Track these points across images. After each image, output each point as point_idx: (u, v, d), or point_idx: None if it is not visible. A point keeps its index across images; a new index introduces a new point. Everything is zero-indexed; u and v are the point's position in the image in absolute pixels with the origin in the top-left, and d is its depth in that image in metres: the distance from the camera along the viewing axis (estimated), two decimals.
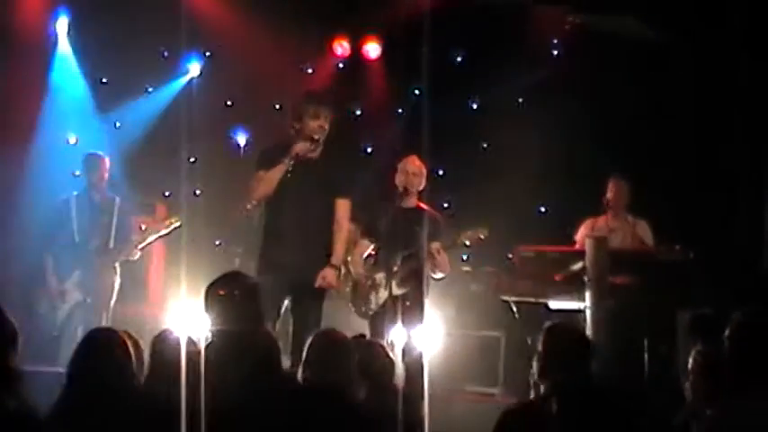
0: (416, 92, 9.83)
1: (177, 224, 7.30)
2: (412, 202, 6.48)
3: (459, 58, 9.71)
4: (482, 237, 6.44)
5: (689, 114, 8.20)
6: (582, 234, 7.18)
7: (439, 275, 6.45)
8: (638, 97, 8.44)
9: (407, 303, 6.25)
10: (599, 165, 7.79)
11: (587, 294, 6.25)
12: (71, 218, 7.11)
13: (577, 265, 6.46)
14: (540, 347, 3.62)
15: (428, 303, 6.47)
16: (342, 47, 9.72)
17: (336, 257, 5.74)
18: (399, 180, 6.43)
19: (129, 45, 8.98)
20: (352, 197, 5.93)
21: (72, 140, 9.00)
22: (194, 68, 9.81)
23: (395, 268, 6.26)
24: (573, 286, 6.56)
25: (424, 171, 6.53)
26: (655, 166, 8.23)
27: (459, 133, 9.61)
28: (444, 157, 9.18)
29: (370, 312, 6.41)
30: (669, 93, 8.31)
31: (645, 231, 7.14)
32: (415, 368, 6.05)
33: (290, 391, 3.61)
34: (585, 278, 6.32)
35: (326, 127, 5.71)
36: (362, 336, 5.11)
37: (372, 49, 9.68)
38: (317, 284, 5.66)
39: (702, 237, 7.14)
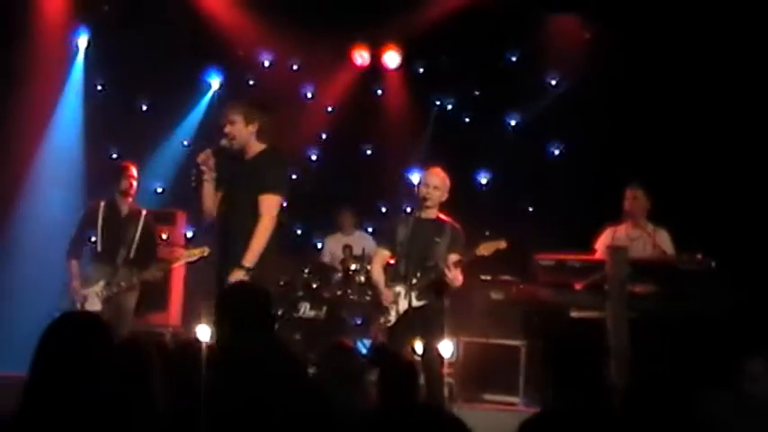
0: (438, 102, 9.87)
1: (206, 254, 7.41)
2: (432, 213, 6.47)
3: (477, 67, 9.72)
4: (500, 248, 6.43)
5: (713, 121, 8.16)
6: (602, 242, 7.14)
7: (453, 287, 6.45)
8: (660, 103, 8.41)
9: (427, 315, 6.25)
10: (620, 172, 7.76)
11: (608, 303, 6.23)
12: (97, 226, 7.11)
13: (598, 274, 6.45)
14: (549, 356, 3.62)
15: (448, 313, 6.47)
16: (361, 56, 9.75)
17: (247, 258, 5.31)
18: (421, 192, 6.43)
19: (149, 59, 9.06)
20: (285, 195, 5.61)
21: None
22: (215, 83, 9.90)
23: (414, 280, 6.26)
24: (593, 295, 6.54)
25: (447, 183, 6.51)
26: (677, 173, 8.19)
27: (480, 142, 9.64)
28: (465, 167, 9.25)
29: (389, 324, 6.41)
30: (691, 99, 8.27)
31: (665, 240, 7.09)
32: (435, 378, 6.09)
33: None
34: (606, 287, 6.30)
35: (231, 130, 5.50)
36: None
37: (392, 59, 9.69)
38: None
39: (725, 245, 7.09)
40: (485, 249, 6.39)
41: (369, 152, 10.07)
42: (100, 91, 9.51)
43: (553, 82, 9.47)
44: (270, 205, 5.42)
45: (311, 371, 5.41)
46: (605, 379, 3.51)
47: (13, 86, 8.62)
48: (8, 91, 8.59)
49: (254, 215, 5.40)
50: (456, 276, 6.24)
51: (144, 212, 7.36)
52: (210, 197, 5.58)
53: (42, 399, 2.83)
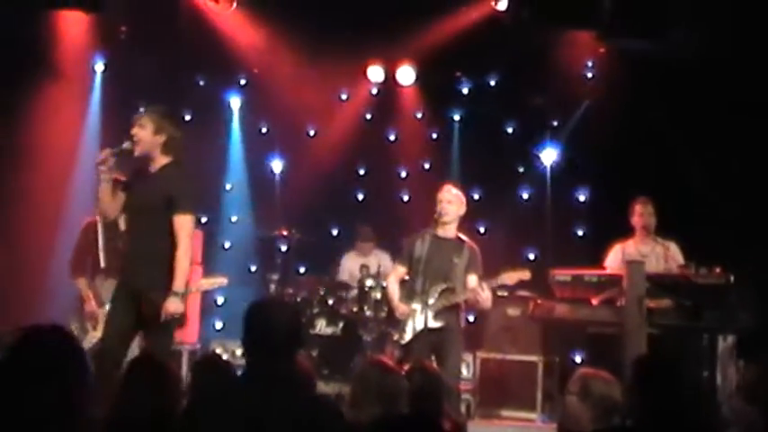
0: (454, 117, 9.88)
1: (224, 284, 7.40)
2: (451, 232, 6.46)
3: (492, 82, 9.73)
4: (524, 279, 6.46)
5: (729, 132, 8.11)
6: (612, 260, 7.11)
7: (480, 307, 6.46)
8: (674, 117, 8.38)
9: (444, 336, 6.24)
10: (635, 185, 7.73)
11: (625, 318, 6.19)
12: (98, 242, 6.99)
13: (614, 289, 6.42)
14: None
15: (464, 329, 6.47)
16: (375, 72, 9.77)
17: (177, 284, 5.23)
18: (436, 208, 6.43)
19: (166, 80, 9.13)
20: (194, 212, 5.52)
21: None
22: (235, 102, 9.97)
23: (431, 300, 6.25)
24: (610, 310, 6.51)
25: (462, 199, 6.51)
26: (693, 186, 8.15)
27: (495, 157, 9.63)
28: (480, 182, 9.24)
29: (403, 342, 6.40)
30: (705, 111, 8.23)
31: (677, 253, 7.04)
32: (452, 394, 6.07)
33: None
34: (623, 302, 6.27)
35: (138, 133, 5.37)
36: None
37: (406, 74, 9.70)
38: (162, 320, 5.21)
39: (743, 259, 7.04)
40: (508, 278, 6.43)
41: (383, 168, 10.08)
42: (117, 114, 9.56)
43: (567, 97, 9.45)
44: (186, 226, 5.36)
45: (346, 388, 5.41)
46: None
47: (36, 114, 8.70)
48: (32, 119, 8.67)
49: (164, 233, 5.29)
50: (488, 297, 6.26)
51: None
52: (108, 197, 5.42)
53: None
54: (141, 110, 5.58)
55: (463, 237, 6.50)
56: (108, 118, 9.21)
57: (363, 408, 3.72)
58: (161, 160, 5.45)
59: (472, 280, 6.31)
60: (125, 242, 5.57)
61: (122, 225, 5.90)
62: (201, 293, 8.19)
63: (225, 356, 8.17)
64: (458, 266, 6.33)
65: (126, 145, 5.39)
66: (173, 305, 5.19)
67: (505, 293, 7.82)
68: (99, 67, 9.46)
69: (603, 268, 7.02)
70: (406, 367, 4.31)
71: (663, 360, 3.78)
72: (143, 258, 5.35)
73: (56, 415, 2.77)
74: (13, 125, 8.60)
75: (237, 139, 10.06)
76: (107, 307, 6.76)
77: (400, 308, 6.35)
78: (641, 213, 7.14)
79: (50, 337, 2.93)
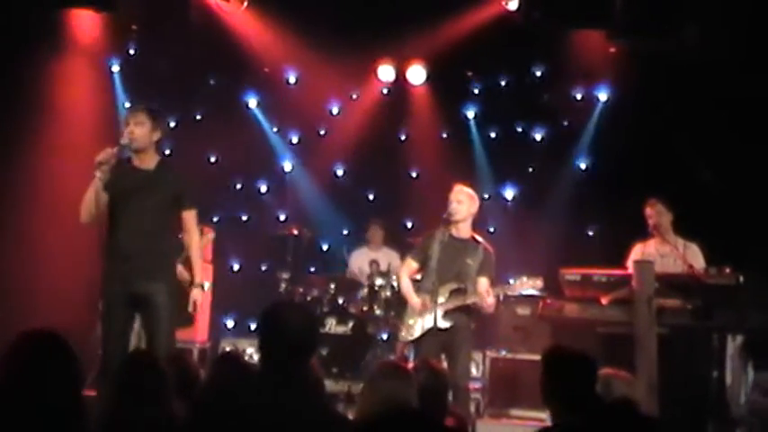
0: (467, 115, 9.89)
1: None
2: (465, 232, 6.46)
3: (503, 82, 9.73)
4: (536, 287, 6.48)
5: (740, 132, 8.09)
6: (632, 260, 7.10)
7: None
8: (687, 117, 8.36)
9: (454, 336, 6.25)
10: (647, 186, 7.72)
11: (635, 318, 6.18)
12: None
13: (624, 289, 6.40)
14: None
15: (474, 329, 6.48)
16: (386, 72, 9.78)
17: (199, 276, 5.60)
18: (448, 208, 6.44)
19: (177, 80, 9.17)
20: (198, 207, 5.60)
21: None
22: (252, 101, 10.00)
23: (441, 299, 6.25)
24: (620, 310, 6.49)
25: (474, 198, 6.51)
26: (706, 186, 8.13)
27: (505, 157, 9.64)
28: (492, 181, 9.25)
29: (410, 338, 6.41)
30: (717, 110, 8.21)
31: (696, 255, 7.01)
32: (461, 394, 6.07)
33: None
34: (633, 301, 6.26)
35: (135, 130, 5.36)
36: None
37: (416, 74, 9.71)
38: (190, 310, 5.49)
39: (753, 259, 7.02)
40: (520, 287, 6.44)
41: (394, 168, 10.10)
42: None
43: (578, 96, 9.45)
44: (194, 221, 5.56)
45: (355, 387, 5.40)
46: (596, 395, 3.55)
47: (52, 114, 8.76)
48: (49, 119, 8.73)
49: (170, 230, 5.41)
50: (492, 303, 6.28)
51: None
52: (99, 198, 5.27)
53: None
54: (134, 106, 5.58)
55: (479, 238, 6.50)
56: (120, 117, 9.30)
57: (373, 411, 3.73)
58: (154, 157, 5.48)
59: (483, 283, 6.31)
60: (121, 241, 5.35)
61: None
62: (212, 292, 8.23)
63: None
64: (471, 267, 6.33)
65: (124, 141, 5.36)
66: (199, 296, 5.51)
67: (515, 293, 7.83)
68: (115, 68, 9.52)
69: (625, 268, 7.01)
70: (413, 365, 4.33)
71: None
72: (150, 256, 5.33)
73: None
74: (27, 123, 8.64)
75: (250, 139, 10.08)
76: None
77: (420, 303, 6.35)
78: (650, 214, 7.13)
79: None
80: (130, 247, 5.32)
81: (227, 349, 8.24)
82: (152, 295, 5.30)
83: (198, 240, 5.60)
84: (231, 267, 9.86)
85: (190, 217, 5.49)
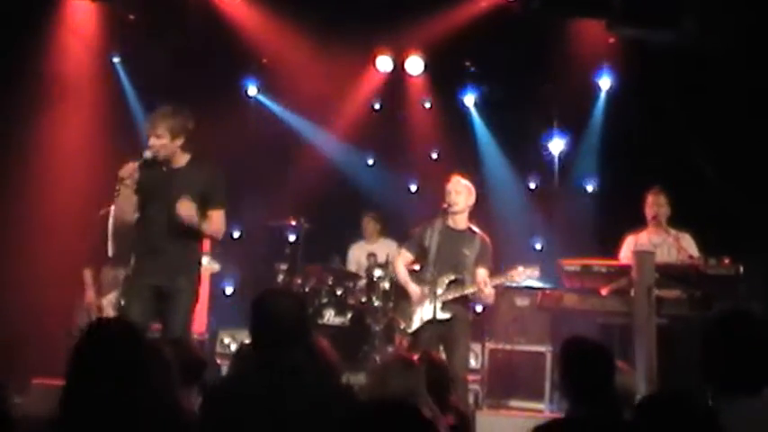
0: (463, 106, 9.86)
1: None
2: (462, 222, 6.44)
3: (501, 72, 9.70)
4: (534, 277, 6.47)
5: (738, 123, 8.07)
6: (625, 251, 7.08)
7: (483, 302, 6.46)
8: (685, 107, 8.34)
9: (453, 327, 6.23)
10: (645, 175, 7.70)
11: (634, 309, 6.17)
12: (108, 232, 7.01)
13: (623, 280, 6.39)
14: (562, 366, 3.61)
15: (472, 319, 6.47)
16: (384, 62, 9.74)
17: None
18: (446, 199, 6.42)
19: (176, 65, 9.13)
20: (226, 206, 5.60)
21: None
22: (252, 89, 9.97)
23: (440, 290, 6.23)
24: (619, 300, 6.48)
25: (471, 189, 6.49)
26: (704, 176, 8.11)
27: (503, 146, 9.62)
28: (489, 170, 9.22)
29: (409, 330, 6.40)
30: (718, 101, 8.19)
31: (689, 244, 7.01)
32: (460, 385, 6.06)
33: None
34: (632, 292, 6.24)
35: (156, 143, 5.40)
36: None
37: (414, 64, 9.67)
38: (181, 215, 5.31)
39: (753, 249, 7.01)
40: (518, 276, 6.42)
41: (390, 158, 10.07)
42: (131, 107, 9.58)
43: (578, 86, 9.42)
44: (222, 221, 5.53)
45: (354, 378, 5.38)
46: (613, 389, 3.50)
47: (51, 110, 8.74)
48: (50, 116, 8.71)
49: (194, 229, 5.38)
50: (491, 294, 6.26)
51: None
52: (130, 206, 5.45)
53: (78, 405, 2.94)
54: (152, 117, 5.56)
55: (475, 228, 6.49)
56: (122, 111, 9.27)
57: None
58: (183, 157, 5.53)
59: (481, 273, 6.30)
60: (150, 237, 5.45)
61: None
62: (210, 283, 8.22)
63: (233, 346, 8.20)
64: (468, 258, 6.32)
65: (147, 154, 5.41)
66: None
67: (513, 283, 7.81)
68: (116, 59, 9.48)
69: (618, 260, 6.99)
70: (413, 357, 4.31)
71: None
72: (178, 253, 5.41)
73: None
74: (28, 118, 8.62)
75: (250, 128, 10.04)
76: (110, 296, 6.84)
77: (419, 291, 6.33)
78: (652, 204, 7.11)
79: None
80: (159, 244, 5.41)
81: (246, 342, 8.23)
82: (177, 291, 5.39)
83: (219, 230, 5.55)
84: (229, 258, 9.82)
85: (217, 216, 5.49)
